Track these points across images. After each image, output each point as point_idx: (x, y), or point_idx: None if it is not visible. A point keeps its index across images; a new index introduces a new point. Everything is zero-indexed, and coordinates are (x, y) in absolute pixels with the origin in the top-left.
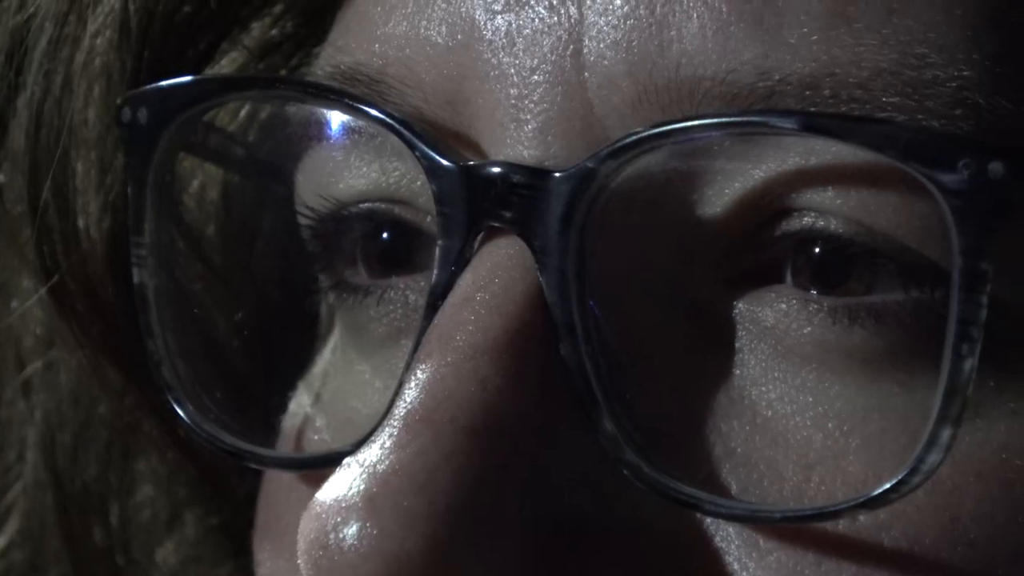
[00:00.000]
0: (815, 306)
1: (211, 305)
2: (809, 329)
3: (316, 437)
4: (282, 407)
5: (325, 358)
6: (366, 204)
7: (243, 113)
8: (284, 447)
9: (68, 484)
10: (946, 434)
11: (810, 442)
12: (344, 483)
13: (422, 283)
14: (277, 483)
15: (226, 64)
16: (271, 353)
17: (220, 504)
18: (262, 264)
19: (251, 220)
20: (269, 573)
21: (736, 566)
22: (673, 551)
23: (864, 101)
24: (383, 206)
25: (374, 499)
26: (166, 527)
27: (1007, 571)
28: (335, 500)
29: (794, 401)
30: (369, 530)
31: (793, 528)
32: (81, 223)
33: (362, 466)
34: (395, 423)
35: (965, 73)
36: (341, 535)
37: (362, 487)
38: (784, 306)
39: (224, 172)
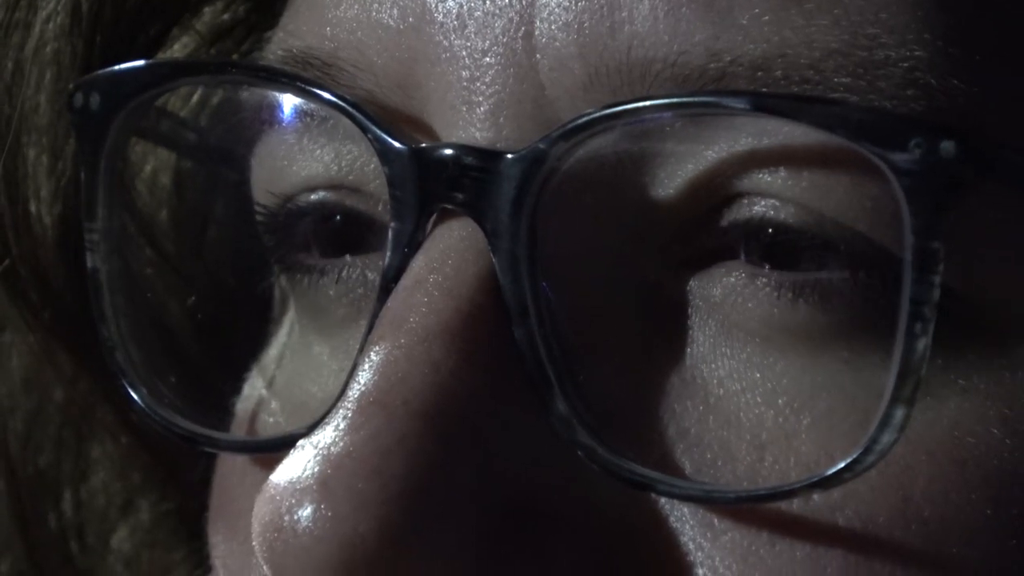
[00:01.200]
0: (763, 280)
1: (164, 290)
2: (753, 304)
3: (271, 420)
4: (236, 391)
5: (280, 341)
6: (316, 195)
7: (195, 98)
8: (238, 431)
9: (20, 470)
10: (900, 414)
11: (761, 421)
12: (298, 465)
13: (379, 262)
14: (231, 467)
15: (178, 49)
16: (225, 337)
17: (174, 489)
18: (214, 249)
19: (203, 205)
20: (223, 556)
21: (691, 546)
22: (628, 532)
23: (816, 82)
24: (333, 196)
25: (328, 481)
26: (120, 512)
27: (961, 550)
28: (289, 482)
29: (743, 378)
30: (323, 512)
31: (747, 508)
32: (32, 208)
33: (316, 448)
34: (349, 405)
35: (916, 53)
36: (295, 517)
37: (316, 469)
38: (732, 279)
39: (176, 157)
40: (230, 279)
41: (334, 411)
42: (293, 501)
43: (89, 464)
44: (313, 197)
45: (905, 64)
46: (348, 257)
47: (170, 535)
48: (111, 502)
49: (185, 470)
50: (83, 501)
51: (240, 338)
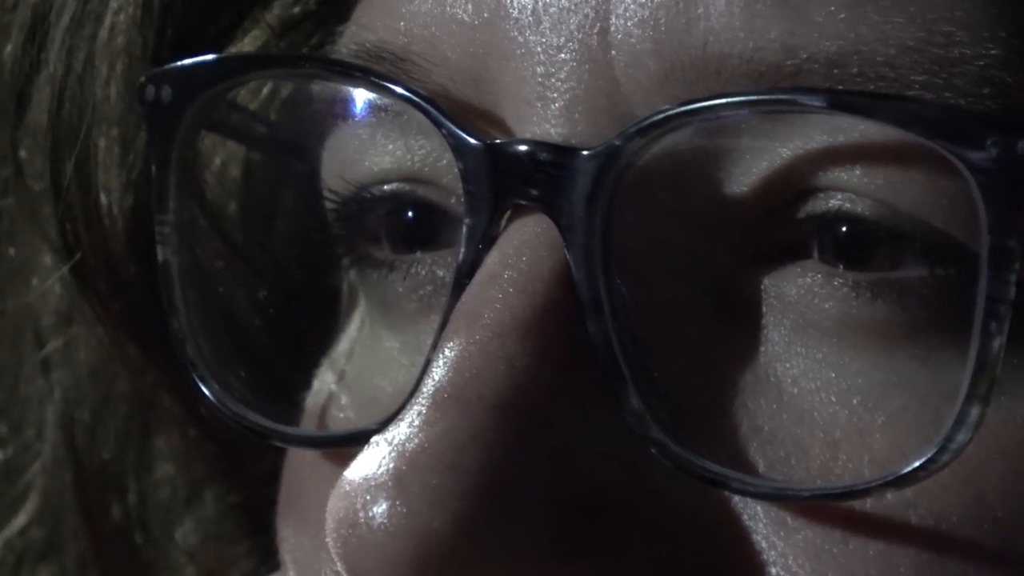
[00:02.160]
0: (839, 280)
1: (233, 283)
2: (831, 303)
3: (340, 415)
4: (306, 385)
5: (350, 335)
6: (389, 186)
7: (265, 91)
8: (308, 425)
9: (87, 462)
10: (975, 412)
11: (835, 419)
12: (372, 462)
13: (449, 259)
14: (301, 461)
15: (248, 42)
16: (294, 331)
17: (239, 482)
18: (284, 242)
19: (273, 198)
20: (293, 550)
21: (764, 544)
22: (700, 529)
23: (891, 79)
24: (407, 187)
25: (402, 477)
26: (185, 505)
27: None
28: (363, 479)
29: (818, 377)
30: (398, 508)
31: (820, 506)
32: (103, 201)
33: (390, 444)
34: (423, 401)
35: (992, 51)
36: (370, 513)
37: (391, 465)
38: (808, 280)
39: (246, 150)
40: (299, 272)
41: (408, 406)
42: (368, 497)
43: (154, 456)
44: (386, 187)
45: (980, 62)
46: (418, 253)
47: (235, 528)
48: (176, 494)
49: (250, 463)
50: (148, 493)
51: (309, 332)
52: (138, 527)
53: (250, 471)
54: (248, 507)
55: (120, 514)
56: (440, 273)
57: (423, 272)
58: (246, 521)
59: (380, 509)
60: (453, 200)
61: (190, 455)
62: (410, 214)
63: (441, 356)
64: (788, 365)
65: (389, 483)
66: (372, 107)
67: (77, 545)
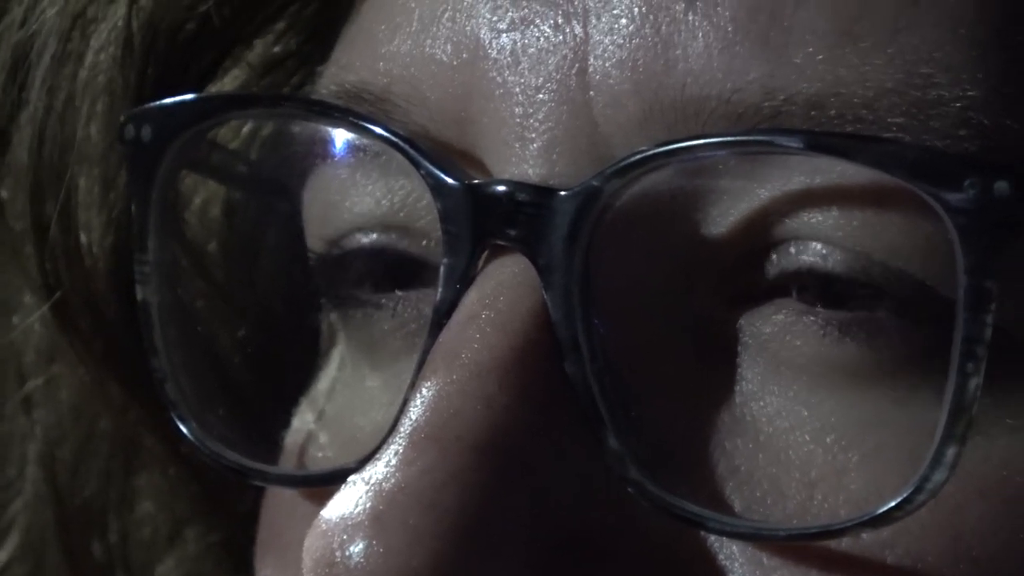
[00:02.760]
0: (811, 318)
1: (214, 322)
2: (801, 341)
3: (320, 454)
4: (286, 423)
5: (330, 374)
6: (368, 238)
7: (245, 131)
8: (287, 464)
9: (68, 499)
10: (951, 452)
11: (811, 458)
12: (350, 500)
13: (429, 299)
14: (280, 499)
15: (229, 81)
16: (275, 370)
17: (221, 521)
18: (265, 281)
19: (253, 237)
20: None
21: None
22: (679, 568)
23: (870, 121)
24: (385, 238)
25: (381, 517)
26: (166, 543)
27: None
28: (341, 518)
29: (791, 416)
30: (376, 548)
31: (797, 546)
32: (84, 239)
33: (368, 483)
34: (401, 440)
35: (970, 93)
36: (348, 553)
37: (368, 504)
38: (782, 317)
39: (226, 189)
40: (280, 311)
41: (386, 445)
42: (345, 537)
43: (136, 494)
44: (364, 240)
45: (959, 104)
46: (400, 292)
47: (216, 567)
48: (157, 533)
49: (232, 502)
50: (129, 531)
51: (290, 371)
52: (120, 565)
53: (231, 510)
54: (229, 546)
55: (102, 552)
56: (425, 310)
57: (408, 309)
58: (227, 560)
59: (358, 548)
60: (432, 245)
61: (172, 494)
62: (390, 262)
63: (419, 395)
64: (763, 404)
65: (367, 522)
66: (352, 147)
67: None
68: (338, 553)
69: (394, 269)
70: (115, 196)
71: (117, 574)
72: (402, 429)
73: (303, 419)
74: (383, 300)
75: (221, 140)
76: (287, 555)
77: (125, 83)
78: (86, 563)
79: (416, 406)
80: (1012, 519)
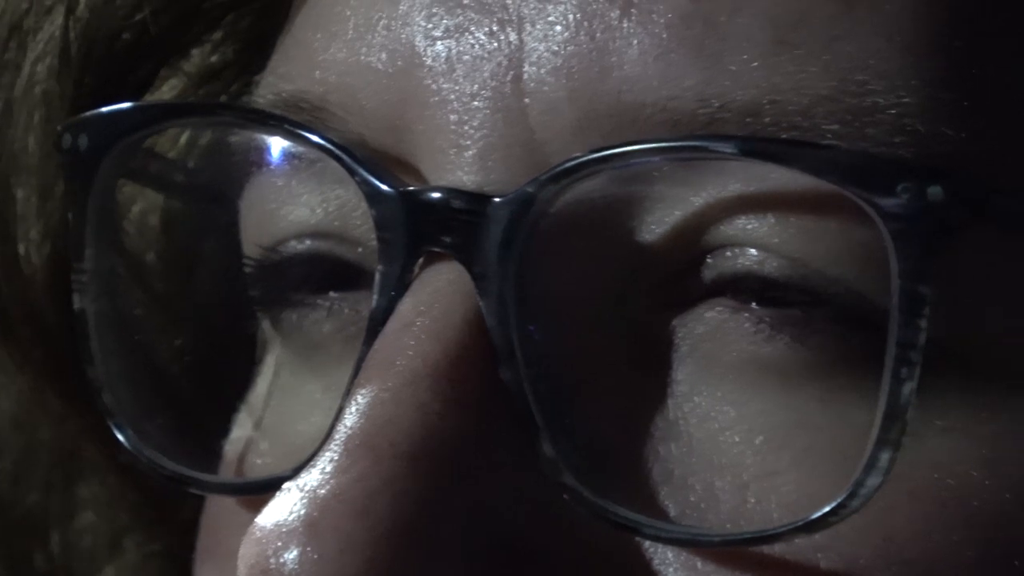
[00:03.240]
0: (744, 315)
1: (152, 331)
2: (732, 338)
3: (259, 461)
4: (224, 432)
5: (267, 381)
6: (303, 245)
7: (183, 140)
8: (226, 472)
9: (9, 510)
10: (885, 457)
11: (742, 460)
12: (284, 508)
13: (364, 306)
14: (219, 508)
15: (166, 91)
16: (213, 378)
17: (162, 530)
18: (203, 290)
19: (191, 246)
20: None
21: None
22: (615, 573)
23: (805, 128)
24: (322, 245)
25: (315, 524)
26: (107, 553)
27: None
28: (275, 525)
29: (720, 417)
30: (310, 555)
31: (731, 551)
32: (22, 249)
33: (302, 491)
34: (335, 448)
35: (905, 100)
36: (282, 560)
37: (303, 512)
38: (715, 314)
39: (164, 198)
40: (219, 320)
41: (320, 453)
42: (279, 544)
43: (77, 504)
44: (299, 247)
45: (894, 111)
46: (337, 294)
47: None
48: (98, 542)
49: (173, 511)
50: (71, 541)
51: (229, 379)
52: (61, 575)
53: (172, 519)
54: (170, 555)
55: (43, 562)
56: (364, 313)
57: (346, 312)
58: (168, 568)
59: (292, 555)
60: (368, 253)
61: (112, 503)
62: (327, 267)
63: (354, 403)
64: (693, 405)
65: (300, 529)
66: (288, 156)
67: None
68: (272, 560)
69: (331, 275)
70: (52, 205)
71: None
72: (337, 436)
73: (242, 427)
74: (319, 302)
75: (159, 149)
76: (227, 564)
77: (62, 93)
78: (27, 573)
79: (351, 413)
80: (944, 521)
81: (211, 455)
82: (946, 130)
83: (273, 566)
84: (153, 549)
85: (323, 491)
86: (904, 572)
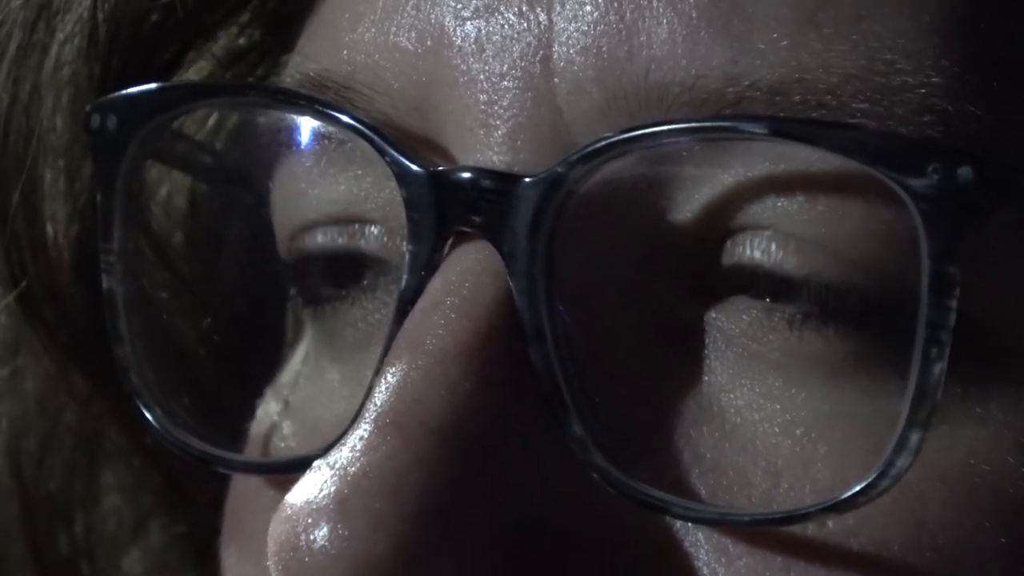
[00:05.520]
0: (779, 314)
1: (179, 311)
2: (773, 336)
3: (283, 443)
4: (250, 413)
5: (294, 364)
6: (330, 236)
7: (211, 121)
8: (252, 452)
9: (33, 492)
10: (915, 438)
11: (778, 449)
12: (315, 485)
13: (392, 287)
14: (244, 488)
15: (193, 73)
16: (239, 359)
17: (185, 512)
18: (230, 272)
19: (218, 228)
20: None
21: (705, 571)
22: (643, 554)
23: (833, 107)
24: (349, 232)
25: (345, 501)
26: (131, 535)
27: None
28: (306, 502)
29: (762, 408)
30: (340, 532)
31: (761, 533)
32: (49, 230)
33: (332, 468)
34: (365, 426)
35: (933, 79)
36: (312, 537)
37: (333, 489)
38: (748, 316)
39: (192, 180)
40: (245, 302)
41: (351, 431)
42: (310, 521)
43: (101, 487)
44: (325, 238)
45: (922, 90)
46: (366, 282)
47: (181, 558)
48: (122, 525)
49: (196, 493)
50: (94, 524)
51: (254, 360)
52: (85, 558)
53: (196, 501)
54: (194, 537)
55: (67, 545)
56: (389, 301)
57: (371, 301)
58: (192, 551)
59: (322, 533)
60: (396, 236)
61: (136, 486)
62: (353, 257)
63: (384, 381)
64: (733, 396)
65: (331, 506)
66: (316, 136)
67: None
68: (302, 537)
69: (356, 264)
70: (80, 187)
71: (82, 567)
72: (367, 415)
73: (267, 408)
74: (345, 292)
75: (186, 131)
76: (251, 543)
77: (90, 74)
78: (51, 556)
79: (381, 392)
80: (976, 508)
81: (237, 435)
82: (974, 110)
83: (303, 543)
84: (177, 532)
85: (353, 468)
86: (935, 558)
